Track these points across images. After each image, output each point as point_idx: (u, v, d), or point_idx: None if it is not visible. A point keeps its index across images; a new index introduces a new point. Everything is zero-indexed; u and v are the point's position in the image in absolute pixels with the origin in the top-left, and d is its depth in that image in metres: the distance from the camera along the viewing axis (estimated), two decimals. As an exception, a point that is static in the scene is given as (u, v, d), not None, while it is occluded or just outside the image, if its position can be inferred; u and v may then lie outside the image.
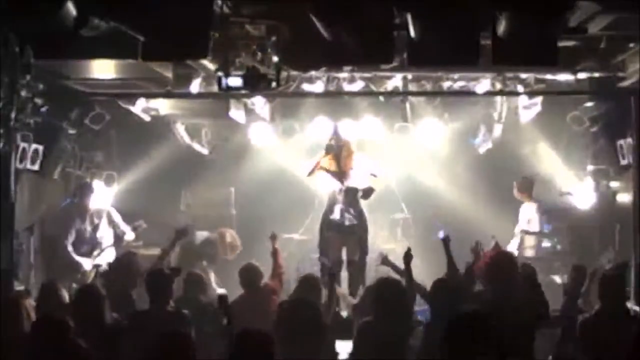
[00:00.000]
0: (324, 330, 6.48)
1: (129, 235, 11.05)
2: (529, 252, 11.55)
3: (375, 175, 10.72)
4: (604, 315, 6.63)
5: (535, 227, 11.74)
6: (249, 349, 5.12)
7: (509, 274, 7.13)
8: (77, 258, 10.50)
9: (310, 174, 10.85)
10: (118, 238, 11.00)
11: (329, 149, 10.74)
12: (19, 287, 9.09)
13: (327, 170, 10.64)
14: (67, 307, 7.87)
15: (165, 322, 6.90)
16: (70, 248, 10.54)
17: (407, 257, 7.50)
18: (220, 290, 9.24)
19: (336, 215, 10.58)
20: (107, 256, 10.76)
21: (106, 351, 6.45)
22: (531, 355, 6.88)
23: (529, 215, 11.81)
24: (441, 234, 8.45)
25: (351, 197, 10.60)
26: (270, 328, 6.27)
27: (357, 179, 10.63)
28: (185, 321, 7.06)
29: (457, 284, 7.40)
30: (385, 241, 12.45)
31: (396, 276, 7.66)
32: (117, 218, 11.16)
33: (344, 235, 10.56)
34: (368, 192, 10.62)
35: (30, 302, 7.36)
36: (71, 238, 10.61)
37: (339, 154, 10.71)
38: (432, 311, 7.11)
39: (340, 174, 10.61)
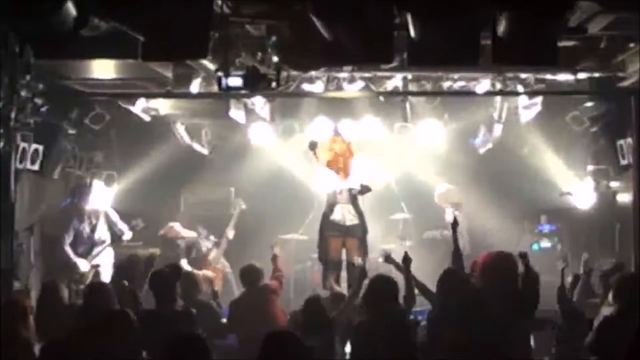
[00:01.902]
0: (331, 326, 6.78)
1: (128, 235, 11.05)
2: None
3: (374, 181, 10.75)
4: (624, 316, 6.59)
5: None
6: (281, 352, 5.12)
7: (502, 275, 7.10)
8: (75, 259, 10.51)
9: (313, 148, 10.68)
10: (116, 237, 10.99)
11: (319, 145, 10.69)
12: (18, 287, 9.11)
13: (332, 167, 10.62)
14: (68, 307, 7.93)
15: (173, 321, 6.92)
16: (68, 249, 10.55)
17: (406, 260, 7.50)
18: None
19: (336, 215, 10.56)
20: (105, 256, 10.78)
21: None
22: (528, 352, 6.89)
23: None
24: (449, 217, 8.34)
25: (351, 197, 10.60)
26: (270, 326, 6.34)
27: (357, 180, 10.63)
28: (192, 320, 7.09)
29: (462, 275, 7.37)
30: (385, 241, 12.45)
31: (397, 274, 7.66)
32: (115, 217, 11.16)
33: (344, 235, 10.55)
34: (365, 190, 10.62)
35: (29, 302, 7.37)
36: (69, 239, 10.62)
37: (341, 154, 10.70)
38: (435, 303, 7.09)
39: (343, 174, 10.61)
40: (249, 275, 8.66)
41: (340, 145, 10.81)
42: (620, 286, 6.87)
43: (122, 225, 11.08)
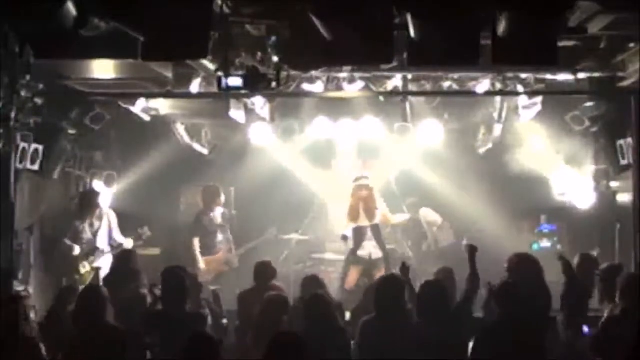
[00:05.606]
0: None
1: (128, 244, 10.92)
2: None
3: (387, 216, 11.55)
4: (628, 315, 6.58)
5: None
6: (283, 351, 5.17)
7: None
8: (76, 260, 10.48)
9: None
10: (116, 244, 10.89)
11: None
12: (19, 287, 9.11)
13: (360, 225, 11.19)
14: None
15: (184, 322, 6.92)
16: (69, 249, 10.52)
17: (404, 269, 7.50)
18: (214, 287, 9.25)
19: (363, 251, 11.11)
20: (106, 259, 10.74)
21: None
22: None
23: None
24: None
25: (377, 233, 11.19)
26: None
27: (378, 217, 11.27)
28: (205, 321, 7.08)
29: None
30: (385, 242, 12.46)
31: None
32: (114, 225, 11.03)
33: (371, 268, 11.01)
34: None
35: (29, 303, 7.36)
36: (71, 240, 10.60)
37: (367, 199, 11.21)
38: (419, 310, 7.07)
39: (369, 218, 11.19)
40: (264, 271, 8.71)
41: (365, 191, 11.25)
42: (626, 286, 6.88)
43: (118, 236, 10.97)
